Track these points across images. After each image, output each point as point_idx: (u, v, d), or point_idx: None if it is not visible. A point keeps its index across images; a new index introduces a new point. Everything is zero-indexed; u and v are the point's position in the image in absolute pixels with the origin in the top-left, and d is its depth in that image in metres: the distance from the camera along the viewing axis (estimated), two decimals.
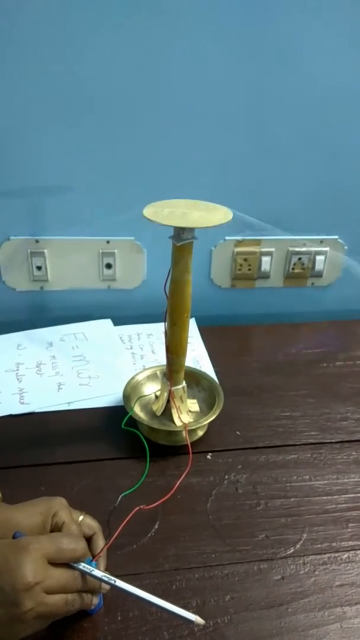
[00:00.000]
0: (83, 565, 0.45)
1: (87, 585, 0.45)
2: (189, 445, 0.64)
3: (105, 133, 0.81)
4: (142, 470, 0.64)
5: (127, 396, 0.70)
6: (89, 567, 0.45)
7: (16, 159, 0.82)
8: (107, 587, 0.47)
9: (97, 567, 0.49)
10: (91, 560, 0.47)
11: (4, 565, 0.40)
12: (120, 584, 0.45)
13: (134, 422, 0.68)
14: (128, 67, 0.77)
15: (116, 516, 0.57)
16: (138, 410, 0.69)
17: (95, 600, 0.48)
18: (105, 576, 0.45)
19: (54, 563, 0.43)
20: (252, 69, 0.79)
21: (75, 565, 0.44)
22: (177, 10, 0.74)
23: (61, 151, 0.82)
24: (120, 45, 0.75)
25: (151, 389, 0.73)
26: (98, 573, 0.45)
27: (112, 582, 0.45)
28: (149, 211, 0.57)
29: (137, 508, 0.55)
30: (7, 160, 0.81)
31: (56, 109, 0.78)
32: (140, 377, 0.74)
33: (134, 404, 0.69)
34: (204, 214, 0.58)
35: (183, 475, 0.62)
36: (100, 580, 0.45)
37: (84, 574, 0.45)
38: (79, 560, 0.45)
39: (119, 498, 0.58)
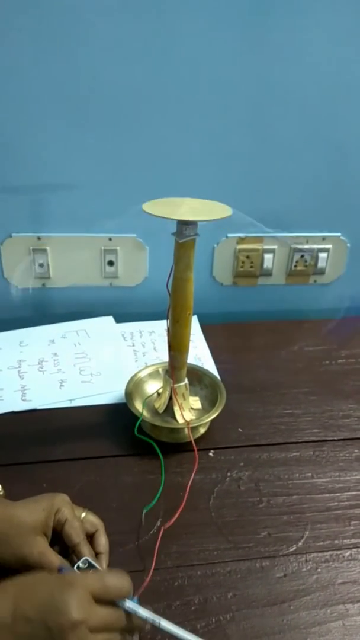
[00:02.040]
0: (128, 604, 0.43)
1: (131, 623, 0.44)
2: (193, 442, 0.64)
3: (107, 130, 0.81)
4: (144, 467, 0.64)
5: (129, 393, 0.70)
6: (134, 605, 0.43)
7: (18, 156, 0.81)
8: (149, 625, 0.46)
9: (100, 564, 0.49)
10: (132, 596, 0.45)
11: (50, 601, 0.40)
12: (166, 624, 0.44)
13: (141, 429, 0.68)
14: (130, 64, 0.77)
15: (121, 515, 0.57)
16: (140, 408, 0.69)
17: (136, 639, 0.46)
18: (150, 616, 0.44)
19: (99, 600, 0.42)
20: (255, 65, 0.79)
21: (120, 603, 0.43)
22: (179, 4, 0.74)
23: (63, 148, 0.81)
24: (122, 43, 0.75)
25: (153, 386, 0.73)
26: (144, 613, 0.44)
27: (157, 622, 0.44)
28: (149, 207, 0.57)
29: (162, 529, 0.55)
30: (9, 157, 0.81)
31: (58, 106, 0.78)
32: (142, 375, 0.74)
33: (143, 408, 0.68)
34: (206, 211, 0.57)
35: (192, 474, 0.62)
36: (145, 620, 0.44)
37: (129, 612, 0.43)
38: (124, 597, 0.43)
39: (143, 515, 0.57)
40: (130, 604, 0.43)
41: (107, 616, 0.42)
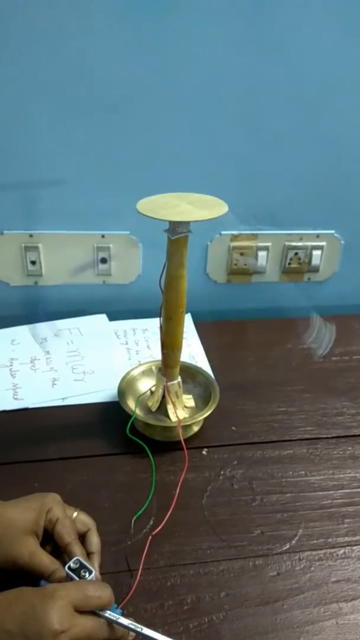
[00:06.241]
0: (109, 613, 0.44)
1: (114, 634, 0.44)
2: (183, 441, 0.63)
3: (100, 126, 0.80)
4: (136, 466, 0.63)
5: (122, 392, 0.69)
6: (115, 614, 0.44)
7: (10, 153, 0.81)
8: (132, 635, 0.46)
9: (91, 564, 0.48)
10: (116, 607, 0.46)
11: (31, 612, 0.40)
12: (147, 631, 0.44)
13: (134, 428, 0.67)
14: (123, 58, 0.76)
15: (114, 515, 0.56)
16: (133, 407, 0.68)
17: None
18: (131, 624, 0.44)
19: (80, 611, 0.42)
20: (249, 60, 0.78)
21: (101, 613, 0.43)
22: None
23: (56, 144, 0.81)
24: (116, 37, 0.74)
25: (146, 384, 0.72)
26: (124, 621, 0.44)
27: (139, 630, 0.44)
28: (143, 205, 0.56)
29: (150, 537, 0.55)
30: (0, 153, 0.80)
31: (50, 102, 0.77)
32: (135, 373, 0.73)
33: (136, 406, 0.67)
34: (199, 208, 0.57)
35: (183, 474, 0.61)
36: (127, 628, 0.44)
37: (110, 622, 0.44)
38: (105, 607, 0.44)
39: (132, 521, 0.57)
40: (111, 614, 0.44)
41: (88, 626, 0.42)
